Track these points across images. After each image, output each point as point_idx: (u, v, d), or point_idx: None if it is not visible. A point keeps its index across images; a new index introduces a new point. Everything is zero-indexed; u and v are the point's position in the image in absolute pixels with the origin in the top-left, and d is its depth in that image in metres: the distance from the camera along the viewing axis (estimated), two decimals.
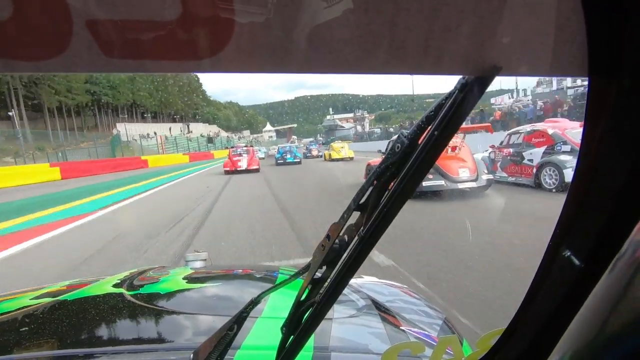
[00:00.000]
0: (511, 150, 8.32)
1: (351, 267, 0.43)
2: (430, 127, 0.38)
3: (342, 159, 24.18)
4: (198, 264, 1.50)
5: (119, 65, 0.29)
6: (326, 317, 0.48)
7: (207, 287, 1.19)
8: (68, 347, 0.76)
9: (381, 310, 1.02)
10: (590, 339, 0.30)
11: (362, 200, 0.43)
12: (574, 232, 0.37)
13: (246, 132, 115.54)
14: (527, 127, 8.37)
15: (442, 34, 0.30)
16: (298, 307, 0.48)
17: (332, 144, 28.02)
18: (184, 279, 1.21)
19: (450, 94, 0.38)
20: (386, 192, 0.41)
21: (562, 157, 7.01)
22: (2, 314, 0.94)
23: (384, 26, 0.29)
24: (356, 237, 0.43)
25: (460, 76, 0.37)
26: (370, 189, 0.42)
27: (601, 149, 0.33)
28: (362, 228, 0.42)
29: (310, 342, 0.70)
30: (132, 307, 0.93)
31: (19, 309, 0.96)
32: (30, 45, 0.27)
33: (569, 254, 0.37)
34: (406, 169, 0.39)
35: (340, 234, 0.45)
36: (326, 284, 0.46)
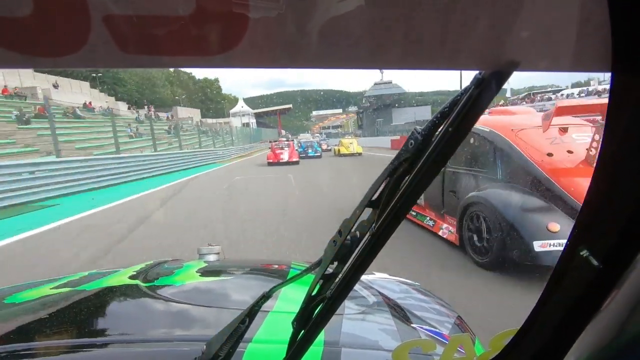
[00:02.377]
0: None
1: (362, 264, 0.43)
2: (444, 123, 0.37)
3: (351, 154, 24.35)
4: (211, 257, 1.52)
5: (134, 60, 0.30)
6: (337, 312, 0.48)
7: (220, 281, 1.21)
8: (85, 335, 0.78)
9: (392, 307, 1.02)
10: (607, 342, 0.29)
11: (375, 196, 0.43)
12: (593, 232, 0.36)
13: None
14: None
15: (459, 28, 0.29)
16: (309, 302, 0.48)
17: (341, 139, 28.11)
18: (197, 272, 1.23)
19: (465, 90, 0.37)
20: (399, 189, 0.41)
21: None
22: (24, 302, 0.98)
23: (398, 20, 0.28)
24: (368, 234, 0.42)
25: (477, 71, 0.36)
26: (383, 185, 0.42)
27: (622, 148, 0.32)
28: (374, 224, 0.42)
29: (321, 337, 0.70)
30: (147, 298, 0.95)
31: (39, 297, 1.00)
32: (49, 41, 0.27)
33: (587, 254, 0.36)
34: (419, 166, 0.38)
35: (352, 230, 0.45)
36: (337, 279, 0.46)
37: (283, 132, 73.25)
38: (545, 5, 0.29)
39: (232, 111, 66.55)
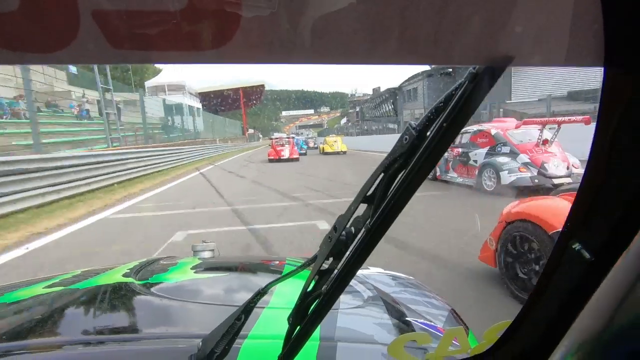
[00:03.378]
0: (460, 150, 8.17)
1: (358, 259, 0.43)
2: (439, 118, 0.38)
3: (335, 153, 24.63)
4: (206, 254, 1.52)
5: (125, 56, 0.29)
6: (332, 307, 0.48)
7: (215, 277, 1.21)
8: (78, 334, 0.78)
9: (387, 301, 1.03)
10: (596, 333, 0.29)
11: (370, 192, 0.43)
12: (585, 226, 0.37)
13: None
14: (474, 127, 8.24)
15: (454, 23, 0.29)
16: (305, 297, 0.49)
17: (326, 137, 28.24)
18: (192, 269, 1.23)
19: (460, 85, 0.37)
20: (394, 184, 0.41)
21: (500, 159, 6.90)
22: (17, 302, 0.97)
23: (393, 16, 0.28)
24: (363, 229, 0.43)
25: (471, 66, 0.36)
26: (378, 180, 0.42)
27: (614, 143, 0.33)
28: (369, 220, 0.42)
29: (317, 333, 0.71)
30: (141, 296, 0.94)
31: (32, 297, 0.99)
32: (38, 37, 0.27)
33: (579, 247, 0.36)
34: (414, 161, 0.39)
35: (347, 225, 0.45)
36: (333, 275, 0.46)
37: (251, 130, 53.39)
38: (539, 0, 0.29)
39: (149, 83, 34.76)
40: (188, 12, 0.26)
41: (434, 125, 0.38)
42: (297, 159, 20.69)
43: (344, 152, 24.94)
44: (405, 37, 0.30)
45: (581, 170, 6.46)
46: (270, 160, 20.24)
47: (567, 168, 6.51)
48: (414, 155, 0.39)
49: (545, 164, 6.53)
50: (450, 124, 0.37)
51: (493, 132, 7.49)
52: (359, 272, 1.29)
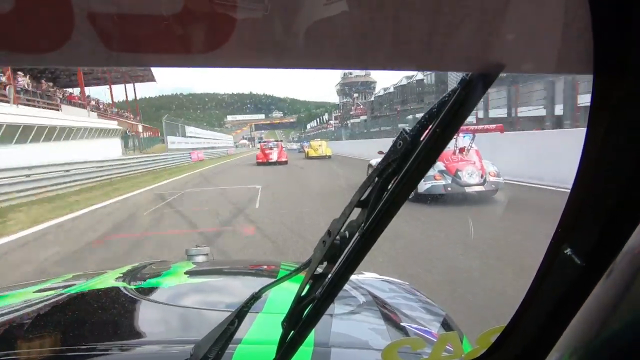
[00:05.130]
0: None
1: (352, 264, 0.43)
2: (432, 124, 0.38)
3: (320, 157, 24.45)
4: (200, 259, 1.51)
5: (119, 58, 0.29)
6: (326, 312, 0.48)
7: (209, 282, 1.20)
8: (70, 340, 0.77)
9: (381, 306, 1.03)
10: (590, 338, 0.30)
11: (364, 197, 0.43)
12: (576, 230, 0.37)
13: None
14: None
15: (446, 30, 0.30)
16: (299, 302, 0.48)
17: (311, 142, 28.09)
18: (185, 273, 1.22)
19: (453, 91, 0.37)
20: (387, 189, 0.41)
21: None
22: (6, 307, 0.95)
23: (387, 22, 0.28)
24: (357, 234, 0.43)
25: (464, 73, 0.36)
26: (372, 185, 0.42)
27: (604, 149, 0.33)
28: (363, 224, 0.42)
29: (311, 338, 0.70)
30: (133, 301, 0.93)
31: (22, 302, 0.97)
32: (31, 38, 0.27)
33: (570, 252, 0.36)
34: (407, 166, 0.39)
35: (341, 230, 0.45)
36: (327, 280, 0.46)
37: (173, 141, 29.37)
38: (531, 9, 0.29)
39: None
40: (182, 16, 0.26)
41: (427, 130, 0.38)
42: (285, 162, 20.67)
43: (329, 157, 24.74)
44: (399, 43, 0.30)
45: (498, 179, 6.69)
46: (259, 164, 20.23)
47: (482, 176, 6.58)
48: (407, 160, 0.39)
49: (459, 172, 6.61)
50: (443, 129, 0.37)
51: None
52: (354, 277, 1.29)
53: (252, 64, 0.31)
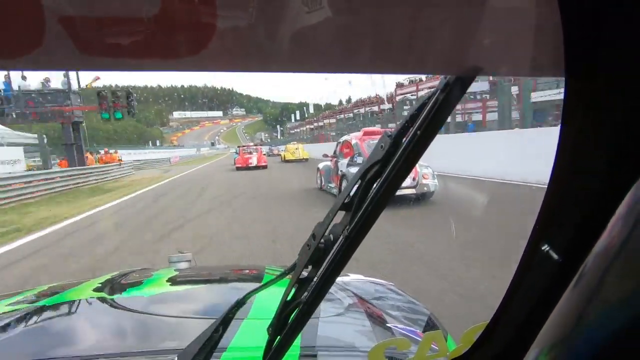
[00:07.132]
0: (335, 160, 8.42)
1: (337, 267, 0.43)
2: (413, 126, 0.39)
3: (296, 160, 23.93)
4: (183, 265, 1.48)
5: (95, 62, 0.29)
6: (313, 316, 0.48)
7: (192, 289, 1.18)
8: (47, 354, 0.73)
9: (367, 308, 1.03)
10: (566, 332, 0.30)
11: (347, 200, 0.43)
12: (553, 227, 0.38)
13: None
14: (343, 138, 8.55)
15: (425, 34, 0.30)
16: (284, 307, 0.48)
17: (287, 145, 27.47)
18: (167, 281, 1.19)
19: (433, 94, 0.38)
20: (371, 191, 0.41)
21: (353, 170, 6.96)
22: None
23: (367, 26, 0.29)
24: (341, 237, 0.43)
25: (443, 76, 0.37)
26: (355, 188, 0.42)
27: (577, 148, 0.34)
28: (347, 227, 0.42)
29: (297, 342, 0.70)
30: (113, 311, 0.90)
31: None
32: (1, 42, 0.26)
33: (547, 248, 0.38)
34: (390, 168, 0.39)
35: (326, 233, 0.45)
36: (312, 283, 0.46)
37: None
38: (505, 15, 0.30)
39: None
40: (161, 20, 0.26)
41: (408, 132, 0.39)
42: (265, 167, 20.26)
43: (306, 160, 24.08)
44: (380, 47, 0.31)
45: (431, 181, 6.70)
46: (238, 169, 19.72)
47: (414, 179, 6.57)
48: (390, 162, 0.39)
49: None
50: (424, 131, 0.38)
51: (353, 142, 7.73)
52: (339, 279, 1.30)
53: (236, 68, 0.31)
